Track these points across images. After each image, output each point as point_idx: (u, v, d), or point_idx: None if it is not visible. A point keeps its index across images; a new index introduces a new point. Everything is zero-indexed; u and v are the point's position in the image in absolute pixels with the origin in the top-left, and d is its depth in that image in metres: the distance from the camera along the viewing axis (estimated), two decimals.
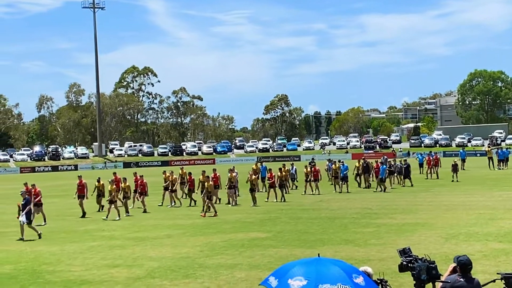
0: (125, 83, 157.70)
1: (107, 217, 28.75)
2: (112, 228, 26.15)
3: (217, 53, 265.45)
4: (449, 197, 33.57)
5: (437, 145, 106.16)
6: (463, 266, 8.34)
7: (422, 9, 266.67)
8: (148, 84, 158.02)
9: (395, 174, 42.08)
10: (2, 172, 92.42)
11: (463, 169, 54.62)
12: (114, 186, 29.62)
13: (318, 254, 8.29)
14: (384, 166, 39.41)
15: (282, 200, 34.45)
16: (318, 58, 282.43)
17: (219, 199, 34.24)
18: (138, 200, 33.44)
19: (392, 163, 42.81)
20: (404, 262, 8.84)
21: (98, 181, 32.21)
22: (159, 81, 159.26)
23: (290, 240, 21.16)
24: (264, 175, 40.18)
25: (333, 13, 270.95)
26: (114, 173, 35.29)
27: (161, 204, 34.63)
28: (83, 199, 30.80)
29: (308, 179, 38.52)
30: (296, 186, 42.36)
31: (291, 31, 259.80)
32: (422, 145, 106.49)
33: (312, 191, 38.18)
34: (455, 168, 44.43)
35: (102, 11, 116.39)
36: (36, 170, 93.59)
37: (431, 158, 49.07)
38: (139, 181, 33.78)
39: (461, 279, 8.27)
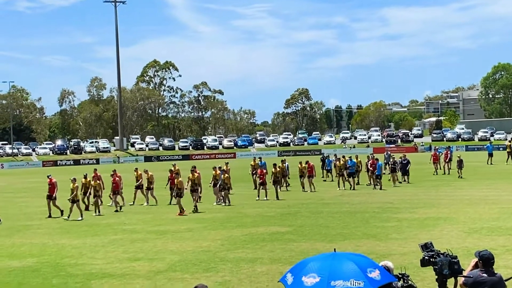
0: (146, 77, 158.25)
1: (68, 216, 27.43)
2: (133, 221, 26.27)
3: (237, 47, 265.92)
4: (471, 192, 33.33)
5: (460, 139, 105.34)
6: (486, 260, 8.27)
7: (444, 1, 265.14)
8: (169, 78, 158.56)
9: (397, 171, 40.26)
10: (24, 166, 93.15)
11: (490, 163, 53.80)
12: (76, 185, 28.03)
13: (334, 249, 8.27)
14: (380, 163, 37.72)
15: (276, 198, 32.80)
16: (339, 52, 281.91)
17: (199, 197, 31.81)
18: (110, 198, 31.53)
19: (397, 160, 41.24)
20: (426, 257, 8.80)
21: (85, 177, 30.54)
22: (180, 75, 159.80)
23: (311, 234, 21.14)
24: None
25: (354, 6, 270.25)
26: (95, 170, 33.31)
27: (132, 203, 32.64)
28: (53, 200, 28.87)
29: (303, 175, 37.49)
30: (288, 184, 39.93)
31: (312, 24, 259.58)
32: (444, 139, 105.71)
33: (306, 188, 37.20)
34: (460, 164, 43.38)
35: (123, 5, 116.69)
36: (58, 164, 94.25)
37: (437, 153, 48.29)
38: (111, 180, 31.68)
39: (484, 274, 8.19)
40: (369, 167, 38.45)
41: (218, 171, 32.81)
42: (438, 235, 19.71)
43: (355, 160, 38.94)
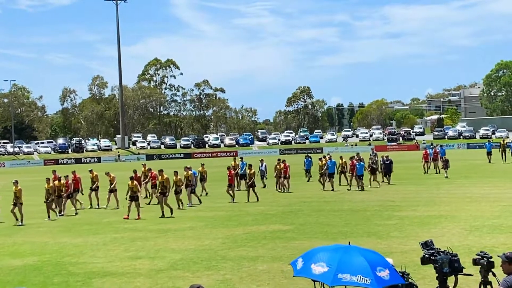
0: (148, 75, 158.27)
1: (21, 221, 26.45)
2: (134, 220, 26.26)
3: (239, 45, 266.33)
4: (472, 189, 33.26)
5: (461, 137, 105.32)
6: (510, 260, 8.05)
7: None
8: (171, 76, 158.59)
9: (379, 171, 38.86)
10: (26, 164, 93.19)
11: (490, 162, 53.49)
12: (19, 188, 27.26)
13: (349, 242, 8.28)
14: (362, 163, 36.11)
15: (256, 200, 31.81)
16: (341, 50, 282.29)
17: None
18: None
19: (376, 159, 39.36)
20: (426, 255, 8.80)
21: (59, 179, 29.88)
22: (181, 74, 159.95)
23: (312, 233, 21.12)
24: (244, 172, 37.42)
25: (356, 4, 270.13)
26: (54, 171, 32.32)
27: (91, 206, 31.71)
28: None
29: (281, 176, 36.51)
30: (265, 184, 39.12)
31: (313, 22, 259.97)
32: (446, 137, 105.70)
33: (283, 188, 36.43)
34: (446, 164, 42.70)
35: (125, 3, 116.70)
36: (59, 162, 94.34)
37: (427, 151, 47.57)
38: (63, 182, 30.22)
39: None
40: (350, 167, 36.50)
41: (190, 172, 32.20)
42: (439, 233, 19.69)
43: (335, 160, 37.36)
